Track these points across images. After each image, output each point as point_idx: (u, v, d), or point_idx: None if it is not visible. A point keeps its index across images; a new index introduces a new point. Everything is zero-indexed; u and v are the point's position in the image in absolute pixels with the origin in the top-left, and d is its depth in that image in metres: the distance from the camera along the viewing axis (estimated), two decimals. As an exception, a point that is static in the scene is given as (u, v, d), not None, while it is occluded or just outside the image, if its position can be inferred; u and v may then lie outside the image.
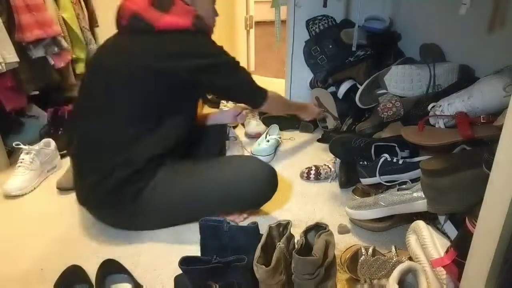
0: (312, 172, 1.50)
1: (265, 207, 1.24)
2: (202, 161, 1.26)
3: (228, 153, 1.63)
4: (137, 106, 1.12)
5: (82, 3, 2.05)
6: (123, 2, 1.15)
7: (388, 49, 1.82)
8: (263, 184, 1.20)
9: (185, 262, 0.82)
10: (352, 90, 1.82)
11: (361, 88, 1.65)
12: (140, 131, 1.12)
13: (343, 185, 1.43)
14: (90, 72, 1.25)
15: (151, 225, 1.20)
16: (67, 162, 1.56)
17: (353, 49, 1.68)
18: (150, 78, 1.10)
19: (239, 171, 1.20)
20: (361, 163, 1.29)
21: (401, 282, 0.82)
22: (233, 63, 1.24)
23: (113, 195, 1.11)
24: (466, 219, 0.81)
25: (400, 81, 1.48)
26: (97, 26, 2.16)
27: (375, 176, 1.24)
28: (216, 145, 1.52)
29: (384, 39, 1.84)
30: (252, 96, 1.34)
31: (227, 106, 2.09)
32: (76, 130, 1.18)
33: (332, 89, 1.98)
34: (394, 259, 0.87)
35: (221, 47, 1.22)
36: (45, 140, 1.60)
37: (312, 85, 2.00)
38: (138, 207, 1.13)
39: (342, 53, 1.82)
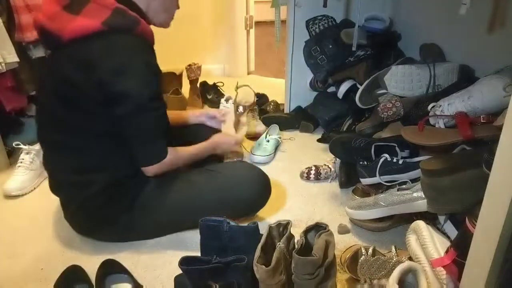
0: (312, 172, 1.50)
1: (265, 207, 1.24)
2: (192, 170, 1.21)
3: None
4: (86, 134, 1.03)
5: (82, 3, 2.05)
6: (34, 14, 1.02)
7: (388, 49, 1.82)
8: (256, 190, 1.18)
9: (185, 262, 0.82)
10: (352, 90, 1.82)
11: (361, 88, 1.65)
12: (101, 157, 1.05)
13: (343, 185, 1.43)
14: (38, 102, 1.15)
15: (145, 237, 1.17)
16: (67, 162, 1.56)
17: (353, 49, 1.67)
18: (79, 97, 0.98)
19: (230, 178, 1.17)
20: (361, 163, 1.29)
21: (401, 282, 0.82)
22: (146, 91, 0.97)
23: (98, 220, 1.11)
24: (466, 219, 0.81)
25: (400, 81, 1.48)
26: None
27: (375, 176, 1.24)
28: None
29: (384, 39, 1.84)
30: (147, 151, 1.05)
31: (227, 107, 2.08)
32: (47, 167, 1.14)
33: (332, 89, 1.98)
34: (394, 259, 0.87)
35: (142, 60, 0.97)
36: (45, 140, 1.60)
37: (312, 85, 2.00)
38: (130, 223, 1.11)
39: (342, 53, 1.81)
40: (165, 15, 1.13)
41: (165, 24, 1.15)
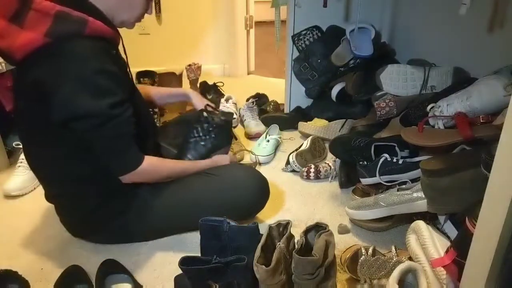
0: (312, 171, 1.50)
1: (265, 207, 1.23)
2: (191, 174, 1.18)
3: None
4: (61, 151, 1.00)
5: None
6: None
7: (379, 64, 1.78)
8: (253, 193, 1.16)
9: (185, 262, 0.82)
10: (344, 91, 1.84)
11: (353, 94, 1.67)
12: (89, 169, 1.02)
13: (343, 185, 1.43)
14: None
15: (144, 237, 1.17)
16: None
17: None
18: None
19: (227, 181, 1.15)
20: (361, 163, 1.29)
21: (401, 282, 0.82)
22: (104, 102, 0.90)
23: (94, 224, 1.11)
24: (466, 219, 0.81)
25: (395, 79, 1.48)
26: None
27: (375, 176, 1.24)
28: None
29: (373, 60, 1.76)
30: (120, 160, 0.99)
31: (227, 107, 2.08)
32: (38, 177, 1.13)
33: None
34: (394, 259, 0.87)
35: (95, 69, 0.89)
36: (45, 140, 1.60)
37: (308, 93, 2.00)
38: (126, 226, 1.11)
39: (333, 65, 1.82)
40: (128, 14, 1.02)
41: (127, 24, 1.05)
